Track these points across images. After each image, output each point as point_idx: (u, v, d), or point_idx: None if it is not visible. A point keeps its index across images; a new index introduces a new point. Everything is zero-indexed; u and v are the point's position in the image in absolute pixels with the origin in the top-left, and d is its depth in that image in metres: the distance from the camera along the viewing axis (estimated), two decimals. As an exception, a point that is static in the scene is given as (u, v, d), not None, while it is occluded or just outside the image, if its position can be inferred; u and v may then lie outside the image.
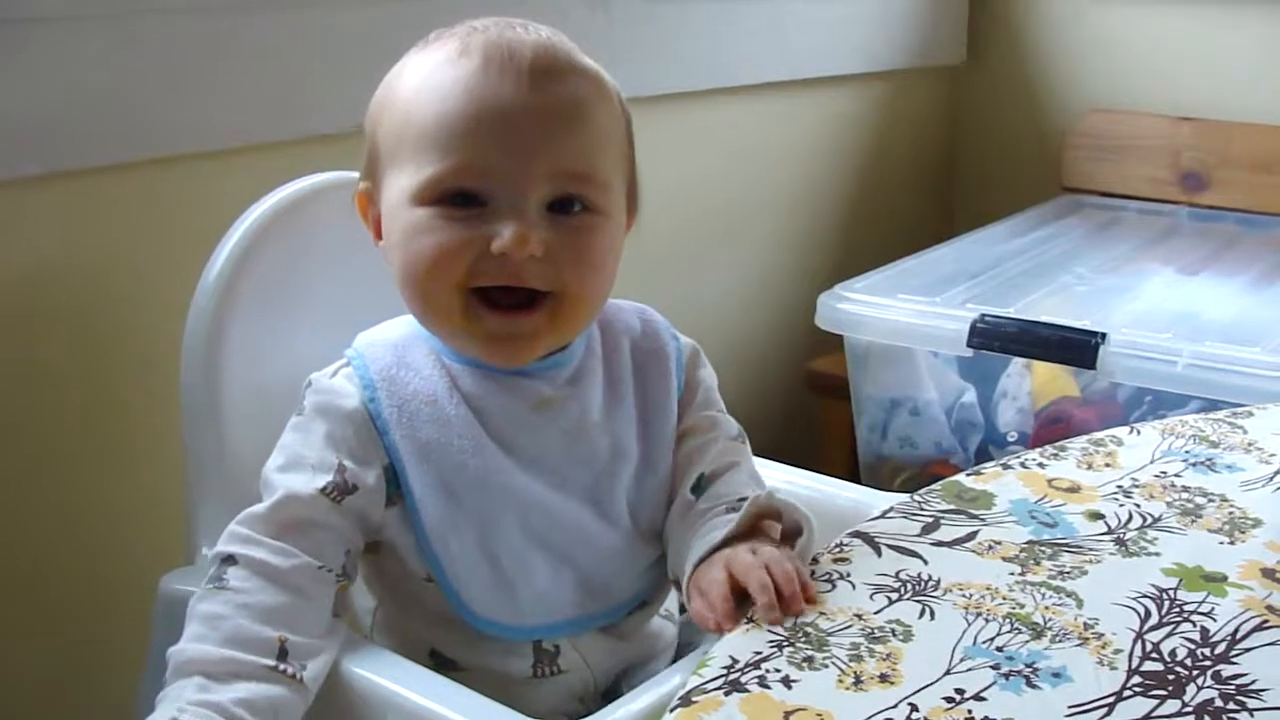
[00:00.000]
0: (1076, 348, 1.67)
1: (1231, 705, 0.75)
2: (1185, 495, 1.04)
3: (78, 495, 1.30)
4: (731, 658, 0.80)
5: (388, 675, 0.90)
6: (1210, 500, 1.03)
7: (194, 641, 0.86)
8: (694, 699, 0.76)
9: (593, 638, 0.98)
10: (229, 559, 0.90)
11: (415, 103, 0.94)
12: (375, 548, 0.98)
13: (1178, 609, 0.86)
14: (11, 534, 1.26)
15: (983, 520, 0.99)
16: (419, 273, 0.94)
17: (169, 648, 0.87)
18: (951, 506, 1.01)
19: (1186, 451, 1.12)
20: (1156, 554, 0.94)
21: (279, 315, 1.11)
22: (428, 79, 0.94)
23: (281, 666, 0.86)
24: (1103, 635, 0.83)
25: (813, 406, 2.12)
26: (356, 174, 1.03)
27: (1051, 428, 1.75)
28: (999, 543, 0.95)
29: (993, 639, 0.82)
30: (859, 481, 1.20)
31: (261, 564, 0.89)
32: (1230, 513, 1.01)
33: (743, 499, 0.99)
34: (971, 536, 0.96)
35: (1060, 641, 0.82)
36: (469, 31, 0.96)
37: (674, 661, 1.04)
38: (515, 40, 0.94)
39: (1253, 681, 0.78)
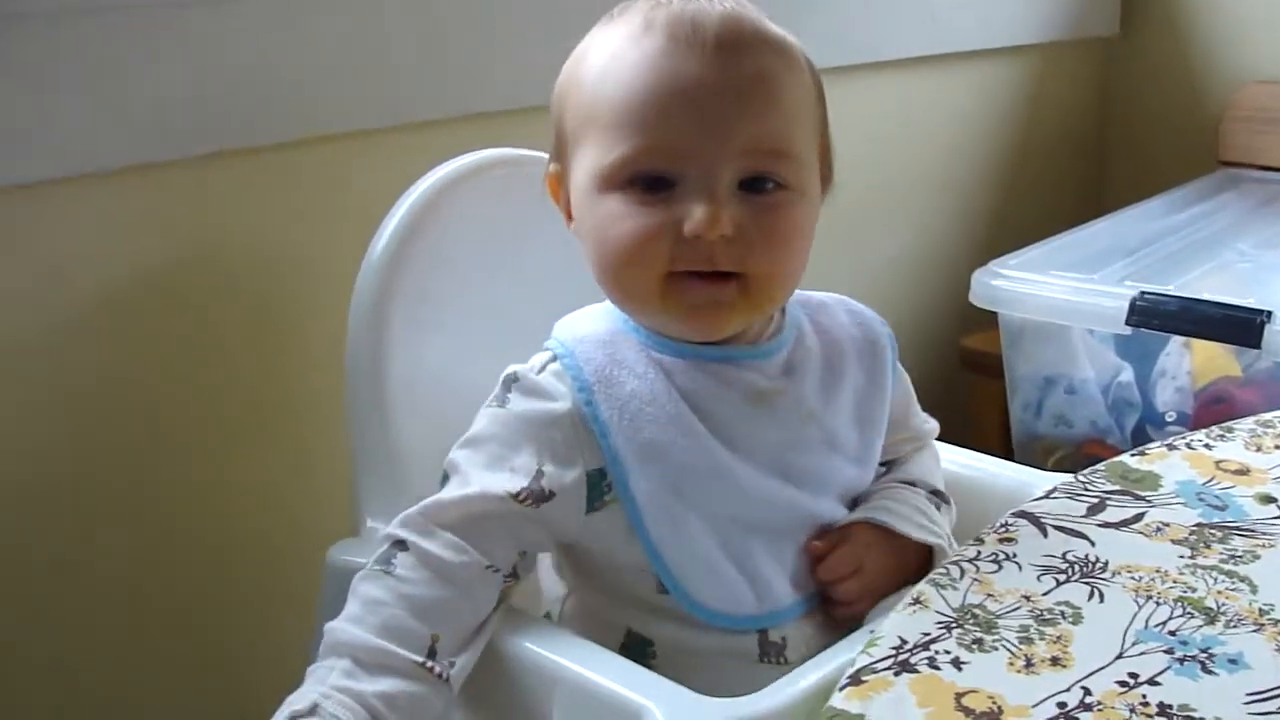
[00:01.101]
0: (1241, 326, 1.63)
1: None
2: (1361, 479, 1.01)
3: (248, 467, 1.33)
4: (900, 638, 0.79)
5: (554, 649, 0.90)
6: (1388, 484, 1.00)
7: (350, 623, 0.87)
8: (863, 678, 0.76)
9: (815, 627, 0.97)
10: (400, 543, 0.90)
11: (600, 84, 0.93)
12: (576, 543, 0.97)
13: (1357, 595, 0.84)
14: (183, 505, 1.29)
15: (1149, 502, 0.97)
16: (617, 262, 0.92)
17: (337, 613, 0.88)
18: (1117, 487, 1.00)
19: (1361, 434, 1.09)
20: (1333, 539, 0.92)
21: (442, 292, 1.12)
22: (612, 58, 0.93)
23: (429, 664, 0.86)
24: (1279, 622, 0.81)
25: (965, 384, 2.09)
26: (520, 150, 1.03)
27: (1213, 408, 1.71)
28: (1167, 525, 0.94)
29: (1165, 623, 0.81)
30: (1011, 460, 1.18)
31: (432, 556, 0.89)
32: None
33: (935, 491, 1.05)
34: (1139, 518, 0.95)
35: (1235, 627, 0.81)
36: (653, 5, 0.93)
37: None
38: (699, 13, 0.92)
39: None
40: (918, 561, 1.01)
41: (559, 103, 0.98)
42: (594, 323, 0.99)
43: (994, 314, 1.84)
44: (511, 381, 0.96)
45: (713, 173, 0.90)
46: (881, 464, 1.05)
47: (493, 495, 0.91)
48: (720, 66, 0.90)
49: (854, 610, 0.97)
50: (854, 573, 0.97)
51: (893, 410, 1.05)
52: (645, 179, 0.91)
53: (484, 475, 0.92)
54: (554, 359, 0.97)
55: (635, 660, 0.93)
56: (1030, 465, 1.12)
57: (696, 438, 0.94)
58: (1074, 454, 1.82)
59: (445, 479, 0.94)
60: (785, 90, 0.93)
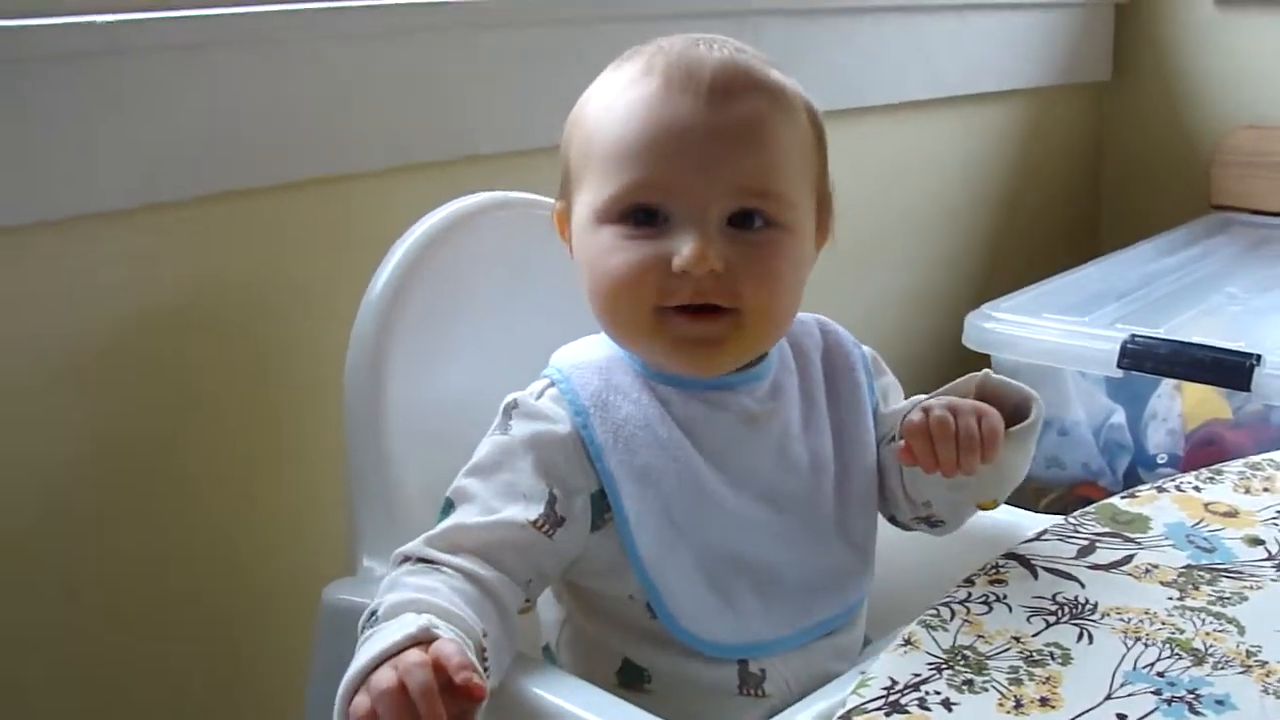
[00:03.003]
0: (1230, 369, 1.64)
1: (1402, 737, 0.75)
2: (1348, 522, 1.02)
3: (240, 507, 1.34)
4: (891, 679, 0.80)
5: (555, 691, 0.90)
6: (1374, 527, 1.01)
7: (415, 593, 0.85)
8: (854, 718, 0.76)
9: (799, 664, 0.98)
10: (426, 561, 0.90)
11: (600, 123, 0.96)
12: (575, 566, 0.97)
13: (1343, 638, 0.85)
14: (175, 545, 1.30)
15: (1139, 544, 0.98)
16: (606, 292, 0.95)
17: (333, 653, 0.87)
18: (1107, 529, 1.01)
19: (1348, 477, 1.10)
20: (1320, 581, 0.93)
21: (440, 332, 1.13)
22: (612, 100, 0.96)
23: (486, 654, 0.85)
24: (1266, 663, 0.82)
25: (957, 426, 2.10)
26: (519, 194, 1.04)
27: (1203, 450, 1.72)
28: (1156, 566, 0.95)
29: (1153, 664, 0.82)
30: (1005, 502, 1.19)
31: (466, 569, 0.89)
32: (1396, 540, 0.99)
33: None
34: (1128, 560, 0.96)
35: (1222, 669, 0.81)
36: (655, 51, 0.97)
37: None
38: (696, 58, 0.95)
39: None
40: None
41: (565, 142, 1.01)
42: (591, 350, 1.01)
43: (987, 356, 1.84)
44: (511, 409, 0.98)
45: (702, 209, 0.92)
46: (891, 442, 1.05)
47: (514, 523, 0.92)
48: (712, 108, 0.93)
49: (995, 438, 0.96)
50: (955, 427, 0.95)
51: (880, 419, 1.06)
52: (638, 213, 0.93)
53: (500, 504, 0.93)
54: (551, 385, 0.99)
55: (631, 689, 0.94)
56: (1022, 507, 1.12)
57: (689, 463, 0.96)
58: (1066, 496, 1.83)
59: (449, 506, 0.95)
60: (776, 132, 0.95)
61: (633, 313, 0.94)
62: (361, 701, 0.76)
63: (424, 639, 0.79)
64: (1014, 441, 0.98)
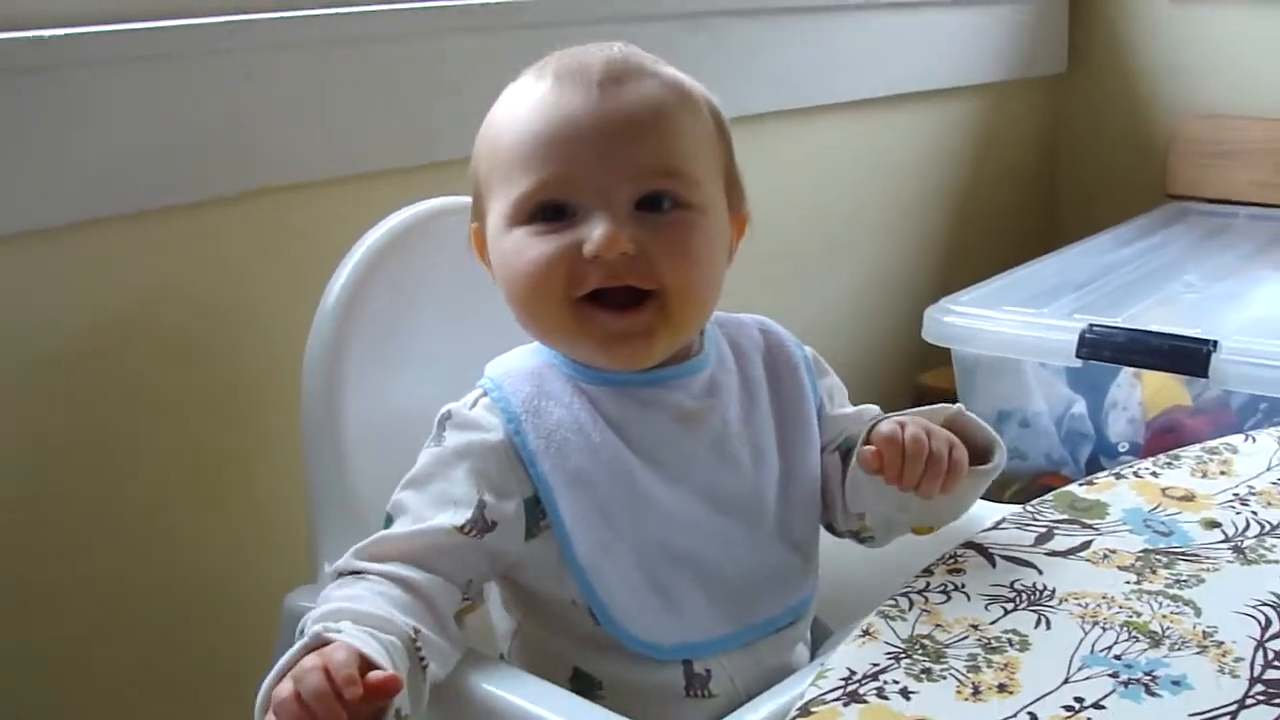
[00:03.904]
0: (1188, 356, 1.65)
1: (1356, 712, 0.75)
2: (1304, 502, 1.03)
3: (199, 518, 1.33)
4: (849, 669, 0.80)
5: (512, 690, 0.91)
6: (1329, 506, 1.02)
7: (337, 603, 0.87)
8: (812, 710, 0.76)
9: (743, 661, 0.98)
10: (355, 573, 0.91)
11: (501, 134, 0.97)
12: (516, 571, 0.98)
13: (1299, 616, 0.86)
14: (135, 556, 1.29)
15: (1097, 530, 0.99)
16: (522, 291, 0.96)
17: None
18: (1065, 516, 1.01)
19: (1304, 458, 1.11)
20: (1276, 561, 0.93)
21: (396, 339, 1.13)
22: (509, 110, 0.97)
23: (418, 644, 0.86)
24: (1222, 644, 0.82)
25: (920, 420, 2.11)
26: (469, 199, 1.04)
27: (1164, 437, 1.73)
28: (1114, 552, 0.95)
29: (1110, 647, 0.82)
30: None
31: (392, 573, 0.90)
32: (1350, 519, 1.00)
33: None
34: (1086, 546, 0.96)
35: (1179, 650, 0.82)
36: (546, 60, 0.98)
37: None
38: (586, 57, 0.96)
39: (1378, 688, 0.77)
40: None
41: (475, 161, 1.02)
42: (522, 359, 1.02)
43: (948, 350, 1.85)
44: (445, 419, 0.99)
45: (609, 198, 0.93)
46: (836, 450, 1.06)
47: (441, 529, 0.93)
48: (604, 98, 0.94)
49: (957, 469, 0.98)
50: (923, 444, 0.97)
51: (824, 422, 1.06)
52: (545, 210, 0.94)
53: (432, 513, 0.94)
54: (484, 394, 0.99)
55: (583, 697, 0.93)
56: (985, 498, 1.13)
57: (622, 464, 0.96)
58: (1029, 486, 1.83)
59: (389, 521, 0.95)
60: (673, 116, 0.96)
61: (550, 307, 0.95)
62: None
63: (317, 645, 0.81)
64: (972, 480, 1.00)
